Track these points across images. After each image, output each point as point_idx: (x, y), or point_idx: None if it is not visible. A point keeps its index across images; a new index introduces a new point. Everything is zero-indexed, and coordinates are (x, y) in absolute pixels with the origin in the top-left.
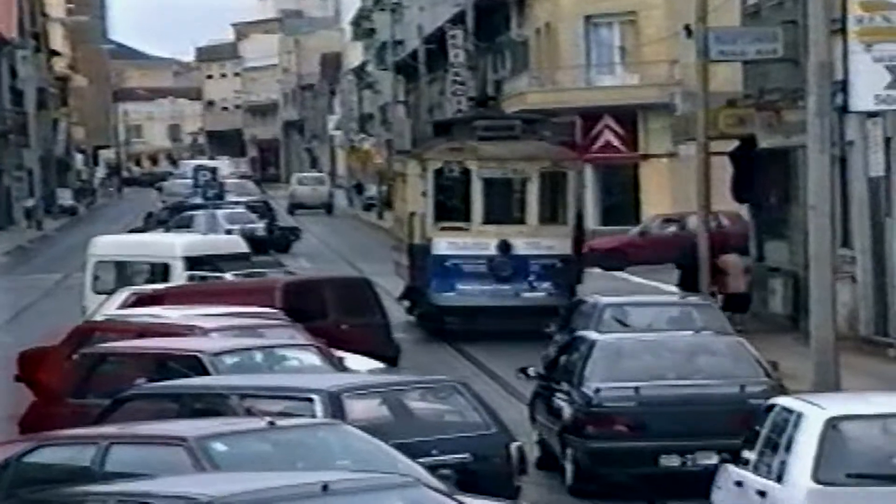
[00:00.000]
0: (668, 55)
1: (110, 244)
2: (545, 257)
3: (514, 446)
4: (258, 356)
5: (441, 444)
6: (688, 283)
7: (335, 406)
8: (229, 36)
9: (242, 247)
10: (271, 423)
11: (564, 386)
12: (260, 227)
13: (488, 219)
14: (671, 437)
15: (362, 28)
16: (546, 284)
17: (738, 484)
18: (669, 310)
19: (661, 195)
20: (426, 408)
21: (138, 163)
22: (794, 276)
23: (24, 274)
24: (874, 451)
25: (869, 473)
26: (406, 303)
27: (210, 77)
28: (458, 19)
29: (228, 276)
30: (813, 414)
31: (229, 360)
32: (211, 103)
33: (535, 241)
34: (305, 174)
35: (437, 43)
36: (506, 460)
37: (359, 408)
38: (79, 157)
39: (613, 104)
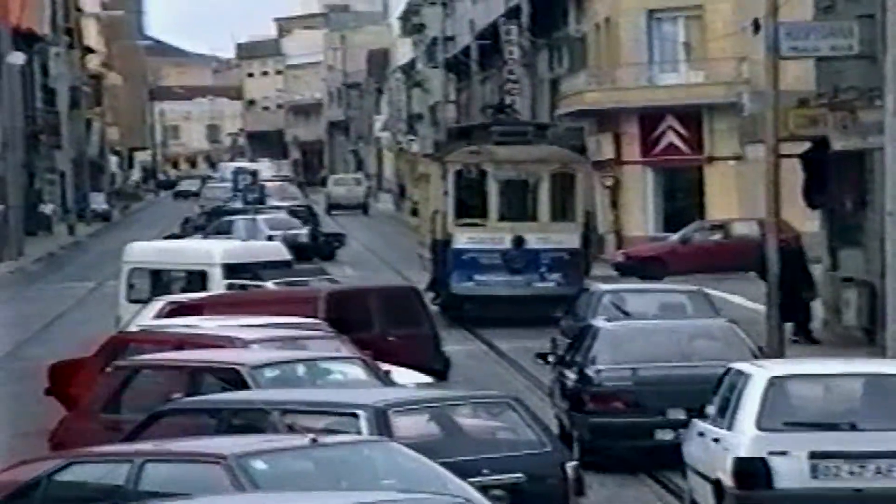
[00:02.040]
0: (736, 51)
1: (146, 251)
2: (555, 251)
3: (570, 466)
4: (300, 369)
5: (493, 463)
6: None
7: (381, 422)
8: (271, 31)
9: (284, 254)
10: (314, 441)
11: (574, 369)
12: (303, 233)
13: (503, 216)
14: (665, 413)
15: (411, 23)
16: (556, 275)
17: (701, 434)
18: (662, 297)
19: (727, 200)
20: (477, 424)
21: (175, 165)
22: (870, 287)
23: (56, 282)
24: (807, 403)
25: (801, 422)
26: (431, 294)
27: (251, 75)
28: (512, 14)
29: (269, 284)
30: (758, 374)
31: (270, 373)
32: (252, 102)
33: (545, 236)
34: (342, 175)
35: (490, 39)
36: (561, 480)
37: (406, 424)
38: (113, 160)
39: (677, 104)
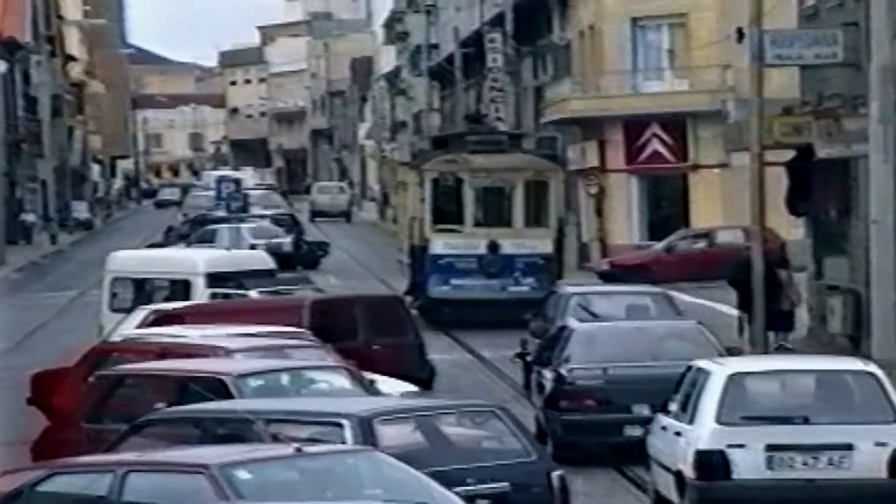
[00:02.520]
0: (720, 59)
1: (128, 260)
2: (529, 256)
3: (555, 475)
4: (285, 378)
5: (478, 473)
6: (746, 302)
7: (366, 432)
8: (254, 39)
9: (268, 263)
10: (298, 450)
11: (549, 368)
12: (286, 241)
13: (479, 222)
14: (634, 411)
15: (395, 31)
16: (530, 279)
17: (664, 428)
18: (627, 298)
19: (712, 208)
20: (463, 434)
21: (158, 174)
22: (855, 295)
23: (38, 291)
24: (763, 399)
25: (758, 416)
26: (409, 298)
27: (234, 83)
28: (496, 21)
29: (253, 293)
30: (718, 371)
31: (254, 382)
32: (235, 111)
33: (520, 241)
34: (326, 183)
35: (474, 46)
36: (547, 490)
37: (391, 433)
38: (95, 168)
39: (661, 111)
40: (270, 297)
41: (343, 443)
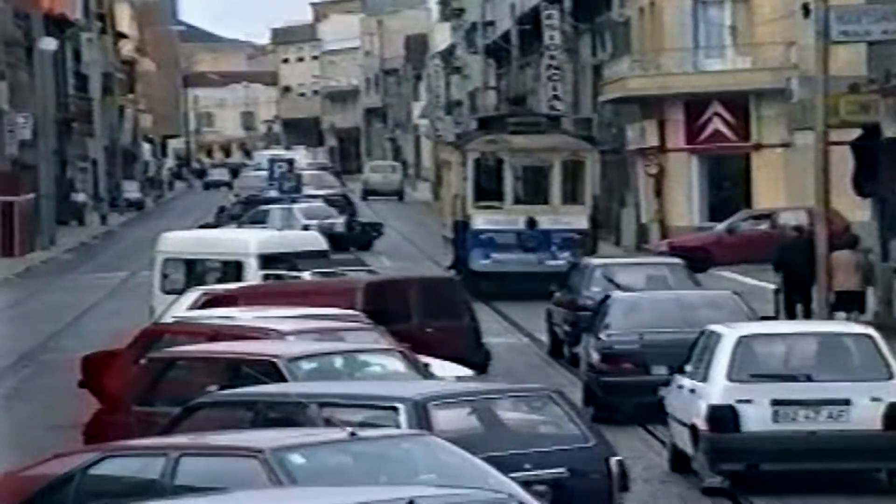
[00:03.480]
0: (784, 36)
1: (180, 241)
2: (565, 231)
3: (614, 461)
4: (338, 361)
5: (535, 458)
6: (795, 286)
7: (421, 416)
8: (307, 16)
9: (321, 244)
10: (352, 434)
11: (592, 335)
12: (339, 222)
13: (518, 199)
14: (668, 373)
15: (450, 8)
16: (566, 253)
17: (680, 387)
18: (647, 269)
19: (775, 189)
20: (519, 418)
21: (209, 153)
22: None
23: (88, 272)
24: (770, 358)
25: (765, 374)
26: (454, 272)
27: (286, 61)
28: None
29: (306, 275)
30: (728, 333)
31: (307, 365)
32: (287, 89)
33: (556, 217)
34: (378, 162)
35: (531, 24)
36: (605, 476)
37: (446, 418)
38: (146, 147)
39: (723, 90)
40: (323, 278)
41: (397, 427)
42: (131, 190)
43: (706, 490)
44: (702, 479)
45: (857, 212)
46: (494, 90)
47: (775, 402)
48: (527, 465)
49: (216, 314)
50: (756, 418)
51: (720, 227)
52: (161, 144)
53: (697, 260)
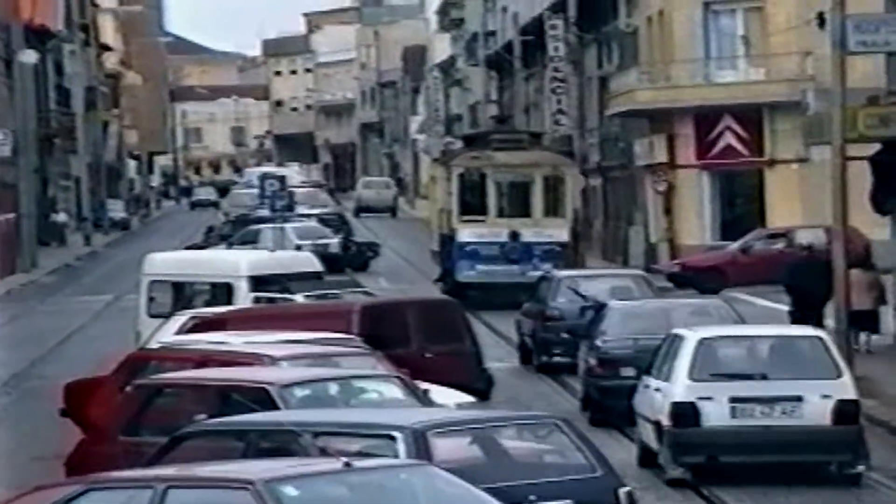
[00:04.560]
0: (800, 46)
1: (167, 262)
2: (546, 243)
3: (623, 492)
4: (333, 388)
5: (540, 489)
6: (806, 307)
7: (420, 445)
8: (300, 27)
9: (315, 265)
10: (348, 465)
11: (588, 341)
12: (334, 242)
13: (501, 213)
14: None
15: (450, 17)
16: (547, 265)
17: (646, 386)
18: (611, 280)
19: (790, 206)
20: (523, 447)
21: (198, 170)
22: None
23: (72, 295)
24: (729, 359)
25: (724, 373)
26: (441, 284)
27: (278, 74)
28: (558, 7)
29: (299, 297)
30: (690, 336)
31: (300, 392)
32: (279, 103)
33: (538, 230)
34: (372, 178)
35: (534, 34)
36: None
37: (446, 447)
38: (132, 165)
39: (735, 102)
40: (317, 301)
41: (395, 457)
42: (116, 209)
43: (670, 481)
44: (665, 472)
45: (876, 230)
46: (496, 103)
47: (733, 400)
48: (531, 497)
49: (205, 339)
50: (716, 414)
51: (734, 246)
52: (147, 161)
53: (710, 281)
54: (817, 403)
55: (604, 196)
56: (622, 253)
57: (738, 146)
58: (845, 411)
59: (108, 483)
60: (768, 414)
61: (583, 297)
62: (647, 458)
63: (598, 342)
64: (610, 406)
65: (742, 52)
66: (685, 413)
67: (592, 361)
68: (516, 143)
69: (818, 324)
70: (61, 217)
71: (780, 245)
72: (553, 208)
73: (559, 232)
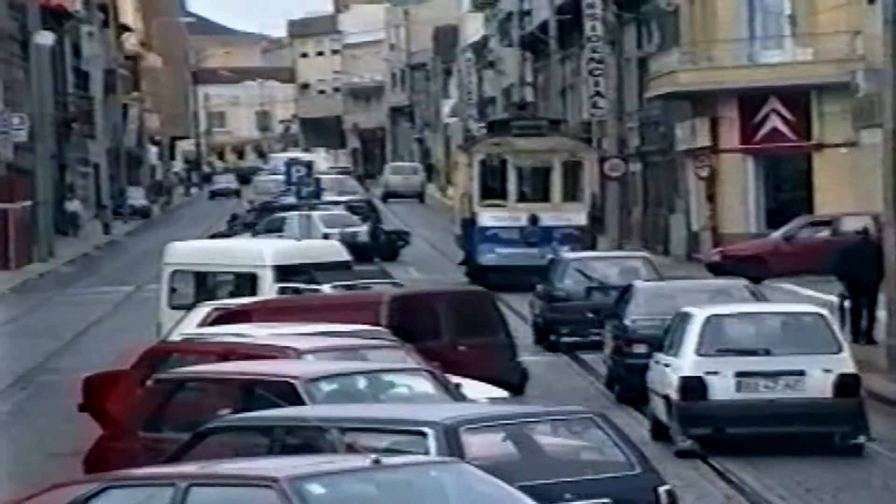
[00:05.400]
0: (849, 24)
1: (189, 252)
2: (565, 227)
3: (663, 490)
4: (361, 382)
5: (576, 487)
6: (858, 294)
7: (451, 441)
8: (327, 7)
9: (342, 254)
10: (377, 462)
11: (615, 321)
12: (362, 231)
13: (521, 197)
14: None
15: None
16: (566, 248)
17: (657, 362)
18: (620, 262)
19: (839, 192)
20: (558, 444)
21: (221, 156)
22: None
23: (90, 286)
24: (735, 335)
25: (730, 349)
26: (465, 268)
27: (305, 55)
28: None
29: (326, 288)
30: (698, 313)
31: (327, 386)
32: (305, 86)
33: (557, 214)
34: (399, 164)
35: (571, 13)
36: None
37: (479, 444)
38: (152, 150)
39: (782, 84)
40: (345, 292)
41: (426, 453)
42: (136, 196)
43: (679, 453)
44: (675, 444)
45: None
46: (531, 86)
47: (739, 374)
48: (567, 496)
49: (228, 331)
50: (722, 388)
51: (776, 234)
52: (169, 147)
53: (751, 270)
54: (819, 377)
55: (643, 183)
56: (662, 242)
57: (785, 130)
58: (846, 384)
59: (127, 480)
60: (772, 388)
61: (589, 278)
62: (659, 431)
63: (627, 321)
64: (638, 384)
65: (788, 32)
66: (693, 387)
67: (620, 340)
68: (536, 129)
69: (870, 311)
70: (74, 205)
71: (824, 233)
72: (571, 193)
73: (578, 216)
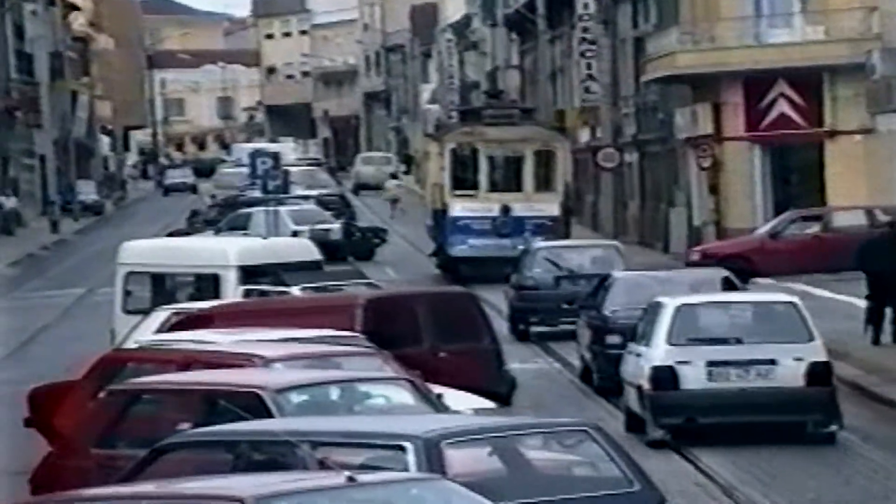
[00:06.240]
0: (864, 1)
1: (145, 251)
2: (537, 218)
3: None
4: (334, 393)
5: None
6: (882, 290)
7: (433, 456)
8: None
9: (313, 253)
10: (351, 479)
11: (593, 311)
12: (335, 227)
13: (492, 188)
14: None
15: None
16: (538, 239)
17: (629, 353)
18: (590, 251)
19: (854, 181)
20: (549, 459)
21: (180, 147)
22: None
23: (37, 289)
24: (706, 324)
25: (701, 338)
26: (435, 260)
27: (270, 37)
28: None
29: (295, 290)
30: (669, 303)
31: (297, 397)
32: (272, 70)
33: (529, 204)
34: (370, 154)
35: None
36: None
37: (463, 459)
38: (104, 141)
39: (790, 66)
40: (316, 294)
41: (405, 470)
42: (87, 191)
43: (651, 443)
44: (647, 434)
45: None
46: (517, 69)
47: (710, 363)
48: None
49: (189, 338)
50: (693, 377)
51: (761, 230)
52: (123, 137)
53: (736, 270)
54: (790, 366)
55: (640, 174)
56: (662, 238)
57: (794, 115)
58: (817, 373)
59: (78, 502)
60: (743, 377)
61: (558, 267)
62: (633, 423)
63: (606, 311)
64: (614, 373)
65: (798, 9)
66: (664, 377)
67: (600, 331)
68: (508, 118)
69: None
70: (10, 202)
71: (814, 229)
72: (544, 183)
73: (550, 206)
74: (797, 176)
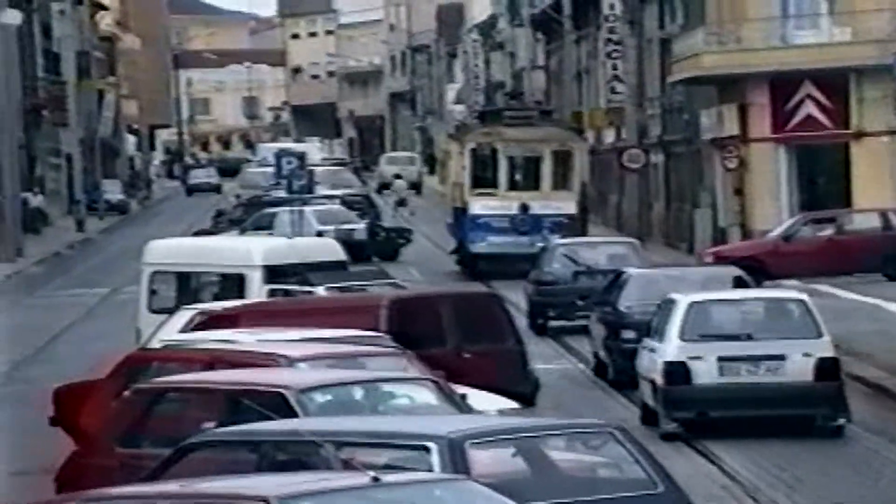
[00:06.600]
0: (891, 2)
1: (171, 250)
2: (555, 216)
3: None
4: (358, 393)
5: None
6: None
7: (456, 457)
8: None
9: (338, 253)
10: (375, 479)
11: (609, 307)
12: (360, 228)
13: (511, 186)
14: None
15: None
16: (556, 236)
17: (644, 348)
18: (608, 248)
19: (880, 184)
20: (573, 460)
21: (205, 146)
22: None
23: (62, 288)
24: (717, 320)
25: (712, 334)
26: (456, 256)
27: (296, 37)
28: None
29: (320, 290)
30: (682, 300)
31: (321, 397)
32: (297, 70)
33: (547, 203)
34: (394, 154)
35: None
36: None
37: (487, 459)
38: (130, 140)
39: (817, 67)
40: (341, 294)
41: (429, 470)
42: (113, 190)
43: (664, 436)
44: (660, 427)
45: None
46: (543, 70)
47: (721, 359)
48: None
49: (214, 337)
50: (705, 372)
51: (774, 233)
52: (149, 136)
53: (748, 273)
54: (799, 361)
55: (665, 175)
56: (687, 239)
57: (820, 117)
58: (825, 368)
59: (102, 500)
60: (754, 372)
61: (576, 263)
62: (648, 416)
63: (621, 307)
64: (629, 367)
65: (825, 10)
66: (676, 372)
67: (616, 326)
68: (527, 118)
69: None
70: (38, 200)
71: (828, 231)
72: (561, 182)
73: (567, 204)
74: (823, 177)
